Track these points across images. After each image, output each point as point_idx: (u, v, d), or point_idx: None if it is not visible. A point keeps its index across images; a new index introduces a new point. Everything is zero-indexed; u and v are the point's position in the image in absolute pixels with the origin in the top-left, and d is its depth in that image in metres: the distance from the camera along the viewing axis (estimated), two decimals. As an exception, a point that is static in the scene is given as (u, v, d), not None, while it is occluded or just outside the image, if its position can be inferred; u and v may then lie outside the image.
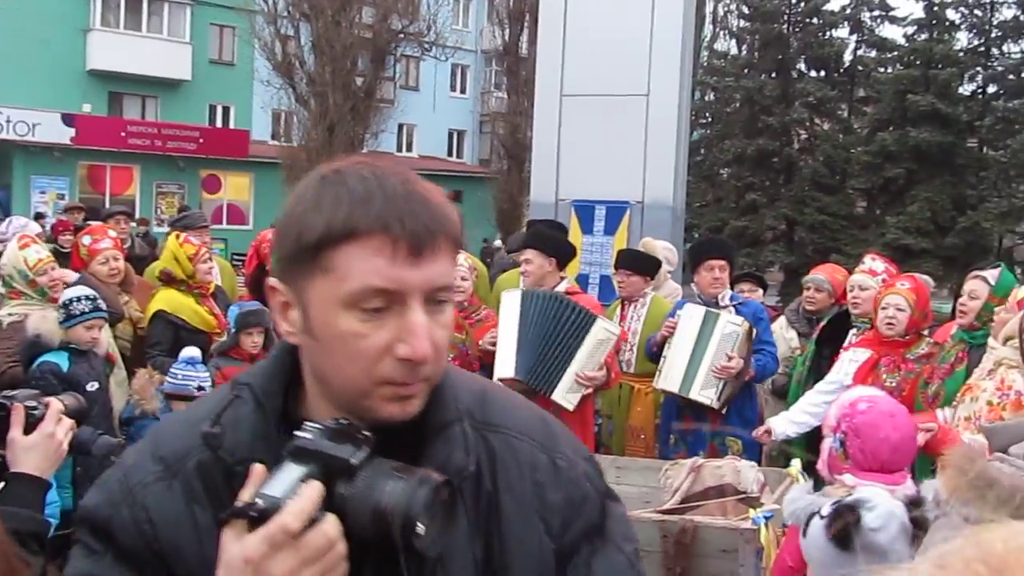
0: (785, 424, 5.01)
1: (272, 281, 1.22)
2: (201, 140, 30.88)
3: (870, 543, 2.50)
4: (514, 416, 1.35)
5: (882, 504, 2.55)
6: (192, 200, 30.74)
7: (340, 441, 1.12)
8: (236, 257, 18.26)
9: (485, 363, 5.80)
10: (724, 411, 5.57)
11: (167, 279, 5.74)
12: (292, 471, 1.10)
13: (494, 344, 5.44)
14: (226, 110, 33.30)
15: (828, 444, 2.97)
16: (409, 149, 37.58)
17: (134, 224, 12.95)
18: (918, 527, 2.52)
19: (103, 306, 4.76)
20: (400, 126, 34.28)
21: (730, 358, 5.43)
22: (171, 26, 31.35)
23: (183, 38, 31.56)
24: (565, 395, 5.18)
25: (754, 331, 5.58)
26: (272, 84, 26.15)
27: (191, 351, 4.95)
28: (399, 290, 1.14)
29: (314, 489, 1.08)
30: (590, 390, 5.37)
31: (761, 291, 7.19)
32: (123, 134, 29.51)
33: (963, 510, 1.42)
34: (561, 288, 5.59)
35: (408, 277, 1.13)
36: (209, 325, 5.68)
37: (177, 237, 6.04)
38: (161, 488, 1.23)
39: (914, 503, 2.57)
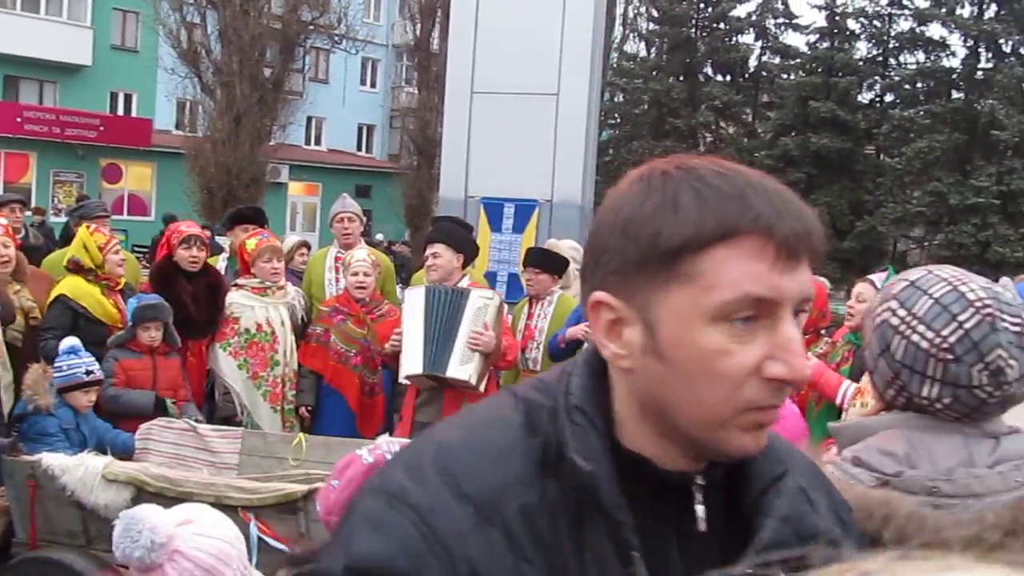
0: None
1: (600, 296, 1.04)
2: (102, 128, 30.04)
3: None
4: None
5: None
6: (92, 189, 29.86)
7: None
8: (137, 249, 17.81)
9: (387, 364, 5.77)
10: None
11: (75, 268, 5.57)
12: None
13: (395, 347, 5.37)
14: (128, 98, 32.44)
15: None
16: (318, 143, 37.15)
17: (29, 213, 12.51)
18: None
19: (97, 372, 4.70)
20: (309, 119, 33.85)
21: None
22: (71, 9, 30.39)
23: (84, 22, 30.62)
24: (459, 367, 5.12)
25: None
26: (177, 72, 25.54)
27: (69, 341, 4.87)
28: (776, 299, 0.98)
29: None
30: (479, 357, 5.17)
31: None
32: (19, 119, 28.55)
33: None
34: (463, 284, 5.57)
35: (785, 285, 0.98)
36: (111, 318, 5.53)
37: (88, 227, 5.87)
38: (482, 538, 0.98)
39: None
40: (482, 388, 5.25)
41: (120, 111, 32.19)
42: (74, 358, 4.76)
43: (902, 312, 1.52)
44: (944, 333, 1.48)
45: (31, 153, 29.52)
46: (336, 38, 28.18)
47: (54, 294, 5.46)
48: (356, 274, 5.98)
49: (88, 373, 4.76)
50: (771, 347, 0.98)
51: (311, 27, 26.60)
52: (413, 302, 5.36)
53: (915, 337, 1.50)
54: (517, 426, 1.06)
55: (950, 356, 1.48)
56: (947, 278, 1.53)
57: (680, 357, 0.99)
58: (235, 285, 6.07)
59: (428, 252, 5.58)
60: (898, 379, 1.53)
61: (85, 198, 16.73)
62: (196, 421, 5.23)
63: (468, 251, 5.77)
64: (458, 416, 1.16)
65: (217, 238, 9.36)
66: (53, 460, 4.18)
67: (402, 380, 5.35)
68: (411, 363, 5.21)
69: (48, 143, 29.28)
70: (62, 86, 30.84)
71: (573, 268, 6.86)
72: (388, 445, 2.04)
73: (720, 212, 0.98)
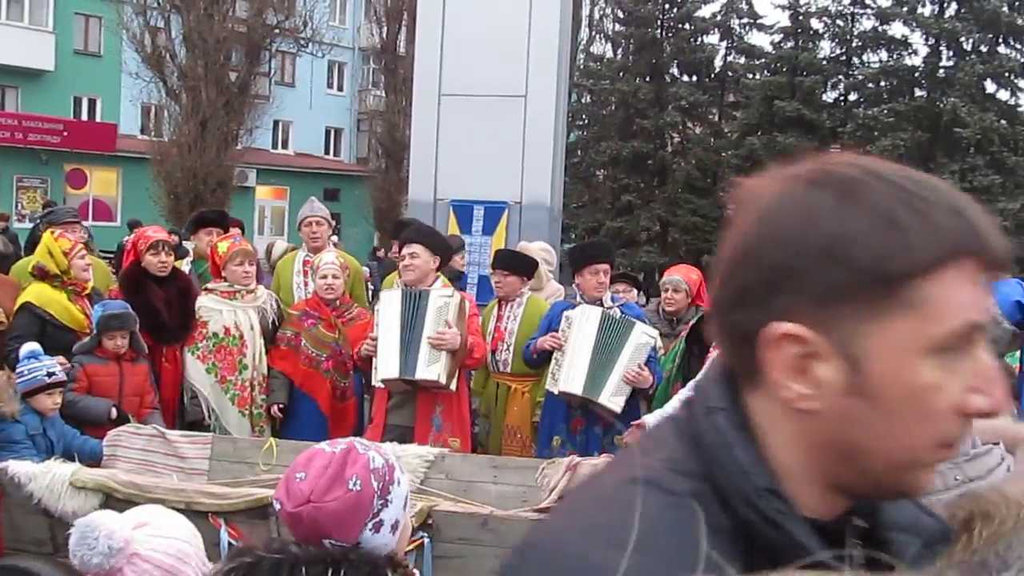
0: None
1: (789, 329, 0.88)
2: (65, 133, 29.72)
3: None
4: None
5: None
6: (56, 195, 29.53)
7: None
8: (103, 254, 17.63)
9: (359, 367, 5.77)
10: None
11: (41, 274, 5.54)
12: None
13: (370, 351, 5.38)
14: (92, 103, 32.11)
15: None
16: (285, 146, 36.96)
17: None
18: None
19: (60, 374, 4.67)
20: (276, 123, 33.68)
21: (642, 369, 5.49)
22: (32, 14, 30.07)
23: (45, 27, 30.30)
24: (427, 368, 5.18)
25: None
26: (141, 77, 25.31)
27: (29, 346, 4.87)
28: (985, 325, 0.89)
29: None
30: (446, 356, 5.27)
31: (635, 292, 7.31)
32: (-20, 125, 28.22)
33: None
34: (437, 286, 5.59)
35: (987, 308, 0.90)
36: (79, 324, 5.49)
37: (53, 232, 5.83)
38: None
39: None
40: (453, 387, 5.29)
41: (84, 116, 31.87)
42: (34, 362, 4.75)
43: None
44: None
45: (-7, 159, 29.21)
46: (302, 41, 28.04)
47: (20, 301, 5.43)
48: (325, 276, 5.99)
49: (50, 375, 4.73)
50: (972, 378, 0.88)
51: (276, 30, 26.46)
52: (387, 305, 5.36)
53: None
54: (671, 521, 0.87)
55: None
56: None
57: (890, 395, 0.88)
58: (205, 289, 6.06)
59: (405, 252, 5.58)
60: None
61: (51, 204, 16.56)
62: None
63: (445, 253, 5.80)
64: (580, 527, 0.91)
65: (184, 243, 9.31)
66: (19, 468, 4.14)
67: (376, 384, 5.36)
68: (387, 367, 5.23)
69: (10, 148, 28.93)
70: (24, 91, 30.48)
71: (544, 270, 6.89)
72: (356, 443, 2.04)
73: (947, 231, 0.87)
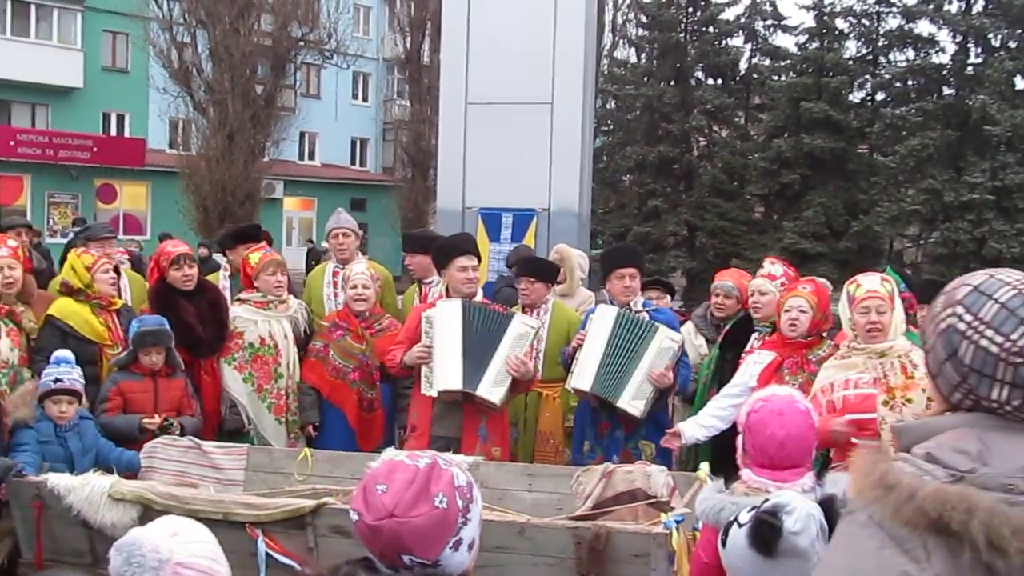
0: (694, 428, 5.08)
1: None
2: (95, 149, 30.06)
3: (792, 547, 2.54)
4: None
5: (800, 507, 2.59)
6: (87, 210, 29.85)
7: None
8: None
9: (393, 376, 5.74)
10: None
11: (67, 290, 5.61)
12: None
13: (423, 359, 5.30)
14: (120, 118, 32.46)
15: (739, 442, 3.08)
16: (311, 157, 37.18)
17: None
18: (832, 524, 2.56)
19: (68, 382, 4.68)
20: (302, 134, 33.90)
21: (664, 372, 5.43)
22: (61, 32, 30.46)
23: (74, 45, 30.69)
24: (491, 389, 5.16)
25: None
26: (169, 92, 25.59)
27: (61, 352, 4.86)
28: None
29: None
30: (510, 381, 5.25)
31: (669, 297, 7.27)
32: (12, 143, 28.60)
33: (867, 510, 1.46)
34: (478, 299, 5.61)
35: None
36: (99, 336, 5.53)
37: (76, 249, 5.90)
38: None
39: (828, 502, 2.62)
40: (500, 407, 5.28)
41: (113, 132, 32.22)
42: (52, 367, 4.75)
43: (968, 317, 1.54)
44: (1013, 337, 1.50)
45: (25, 176, 29.56)
46: (327, 53, 28.23)
47: (44, 315, 5.49)
48: (355, 287, 5.99)
49: (56, 381, 4.70)
50: None
51: (301, 43, 26.66)
52: (447, 316, 5.31)
53: (984, 342, 1.52)
54: None
55: (1020, 359, 1.50)
56: (1011, 282, 1.56)
57: None
58: (238, 300, 6.09)
59: (467, 264, 5.54)
60: (965, 383, 1.55)
61: (81, 220, 16.67)
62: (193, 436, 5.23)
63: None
64: None
65: (215, 255, 9.36)
66: (59, 480, 4.18)
67: (430, 393, 5.29)
68: (448, 378, 5.17)
69: (42, 165, 29.31)
70: (54, 108, 30.87)
71: (579, 276, 6.87)
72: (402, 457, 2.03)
73: None
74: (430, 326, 5.29)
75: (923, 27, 27.72)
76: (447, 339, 5.21)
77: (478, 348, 5.20)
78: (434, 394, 5.24)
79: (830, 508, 2.59)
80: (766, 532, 2.55)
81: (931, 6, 26.80)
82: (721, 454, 5.11)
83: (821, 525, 2.58)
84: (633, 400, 5.41)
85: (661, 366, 5.41)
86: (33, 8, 29.85)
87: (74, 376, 4.78)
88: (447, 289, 5.70)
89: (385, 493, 1.77)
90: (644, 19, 31.58)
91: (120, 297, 6.03)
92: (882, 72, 28.43)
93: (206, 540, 2.18)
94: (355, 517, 1.81)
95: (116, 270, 6.03)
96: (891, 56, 28.74)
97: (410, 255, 6.98)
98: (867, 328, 4.37)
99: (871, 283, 4.50)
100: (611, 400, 5.46)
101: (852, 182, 27.16)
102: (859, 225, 26.00)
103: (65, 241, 9.06)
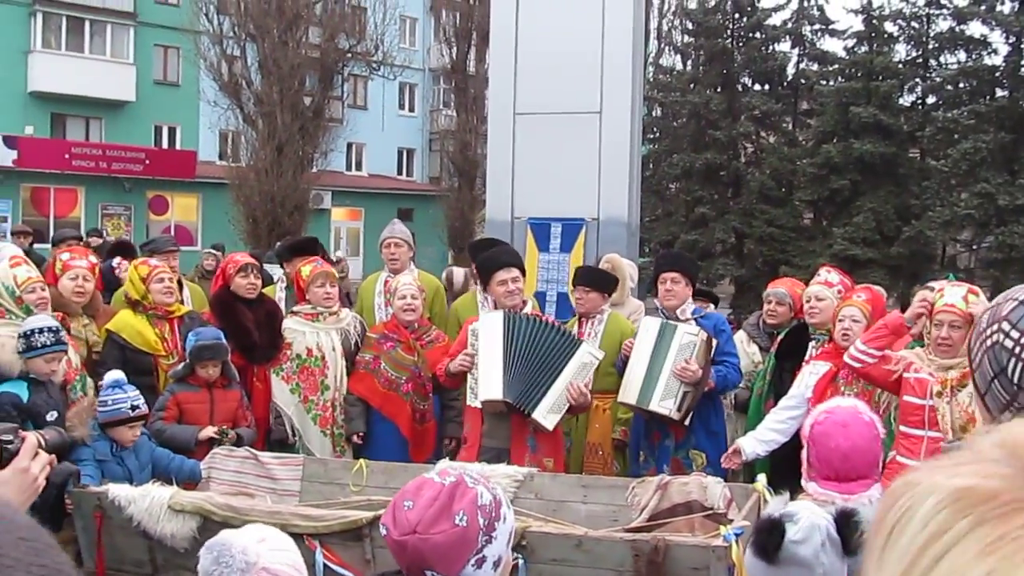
0: (753, 444, 5.04)
1: None
2: (147, 161, 30.52)
3: (792, 555, 2.53)
4: None
5: (805, 517, 2.58)
6: (139, 221, 30.37)
7: None
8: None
9: (443, 385, 5.76)
10: (688, 424, 5.56)
11: (129, 302, 5.76)
12: None
13: (465, 367, 5.34)
14: (172, 131, 32.95)
15: (803, 455, 3.05)
16: (358, 168, 37.45)
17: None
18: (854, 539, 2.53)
19: (65, 338, 4.71)
20: (349, 145, 34.13)
21: (687, 363, 5.40)
22: (114, 47, 30.99)
23: (126, 59, 31.20)
24: (546, 415, 5.16)
25: (714, 342, 5.58)
26: (219, 104, 25.92)
27: (112, 375, 4.87)
28: None
29: None
30: (567, 409, 5.27)
31: (712, 306, 7.21)
32: (67, 156, 29.12)
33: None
34: (527, 310, 5.60)
35: None
36: (152, 346, 5.63)
37: (135, 261, 6.08)
38: None
39: (845, 516, 2.59)
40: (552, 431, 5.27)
41: (164, 144, 32.70)
42: (118, 392, 4.75)
43: (1015, 334, 1.49)
44: None
45: (79, 188, 30.09)
46: (374, 64, 28.42)
47: (104, 329, 5.62)
48: (403, 297, 6.02)
49: (133, 408, 4.73)
50: None
51: (349, 55, 26.87)
52: (490, 328, 5.29)
53: None
54: None
55: None
56: None
57: None
58: (291, 312, 6.18)
59: (506, 278, 5.53)
60: (1016, 401, 1.51)
61: (123, 242, 16.77)
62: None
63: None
64: None
65: (267, 266, 9.47)
66: (120, 491, 4.24)
67: (474, 404, 5.31)
68: (489, 388, 5.16)
69: (95, 178, 29.80)
70: (107, 122, 31.40)
71: (629, 286, 6.85)
72: (457, 469, 2.05)
73: None
74: (475, 338, 5.32)
75: (975, 28, 27.31)
76: (489, 350, 5.22)
77: (526, 362, 5.18)
78: (478, 405, 5.26)
79: (846, 522, 2.57)
80: (765, 539, 2.55)
81: (983, 7, 26.38)
82: (777, 465, 5.08)
83: (830, 536, 2.55)
84: (662, 401, 5.37)
85: (682, 360, 5.36)
86: (87, 23, 30.40)
87: (143, 400, 4.83)
88: (495, 303, 5.71)
89: (411, 509, 1.84)
90: (690, 26, 31.46)
91: (182, 304, 6.14)
92: (933, 75, 28.02)
93: (290, 549, 2.24)
94: (384, 531, 1.88)
95: (179, 283, 6.18)
96: (942, 59, 28.34)
97: (583, 290, 6.37)
98: (937, 342, 4.34)
99: (953, 296, 4.47)
100: (644, 407, 5.44)
101: (903, 187, 26.79)
102: (911, 230, 25.63)
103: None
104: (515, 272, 5.57)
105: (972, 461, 0.66)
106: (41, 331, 4.55)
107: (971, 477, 0.64)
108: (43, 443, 2.22)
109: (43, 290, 5.13)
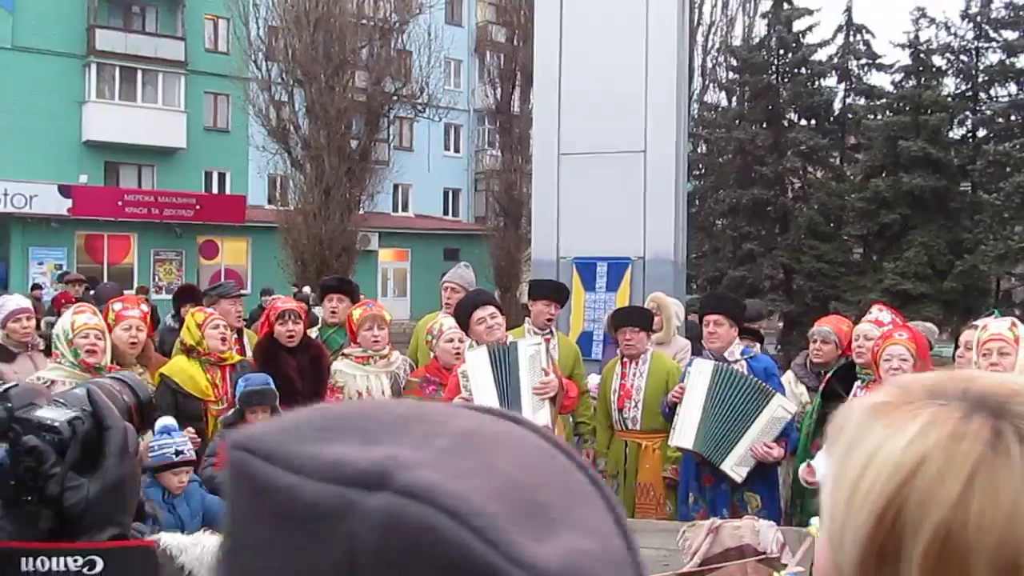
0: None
1: None
2: (198, 207, 31.00)
3: None
4: None
5: None
6: (190, 267, 30.79)
7: None
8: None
9: None
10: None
11: (184, 348, 5.83)
12: None
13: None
14: (222, 176, 33.49)
15: None
16: (405, 209, 37.74)
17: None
18: None
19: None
20: (395, 186, 34.44)
21: (773, 446, 5.39)
22: (165, 95, 31.64)
23: (178, 107, 31.83)
24: (734, 467, 5.19)
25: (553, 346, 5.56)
26: (267, 149, 26.33)
27: (163, 421, 4.88)
28: None
29: None
30: (548, 403, 5.21)
31: (758, 345, 7.11)
32: (120, 203, 29.63)
33: None
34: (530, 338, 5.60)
35: None
36: (203, 392, 5.65)
37: (192, 307, 6.15)
38: None
39: None
40: (552, 427, 5.22)
41: (215, 189, 33.24)
42: (165, 438, 4.76)
43: None
44: None
45: (132, 234, 30.58)
46: (419, 107, 28.72)
47: (158, 373, 5.67)
48: (451, 340, 5.96)
49: (178, 454, 4.74)
50: None
51: (395, 97, 27.19)
52: (476, 365, 5.28)
53: None
54: None
55: None
56: None
57: None
58: (341, 354, 6.18)
59: (483, 315, 5.52)
60: None
61: (144, 289, 16.91)
62: None
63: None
64: None
65: (316, 309, 9.55)
66: (171, 540, 4.22)
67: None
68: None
69: (148, 224, 30.30)
70: (159, 168, 32.01)
71: (675, 324, 6.79)
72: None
73: None
74: (466, 380, 5.28)
75: (1025, 61, 27.02)
76: (481, 388, 5.19)
77: (506, 388, 5.18)
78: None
79: None
80: None
81: (1033, 39, 26.12)
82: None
83: None
84: (736, 467, 5.38)
85: (771, 436, 5.35)
86: (139, 73, 31.07)
87: (190, 444, 4.85)
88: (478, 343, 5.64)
89: None
90: (735, 62, 31.44)
91: (233, 353, 6.16)
92: (983, 108, 27.71)
93: None
94: None
95: (240, 331, 6.21)
96: (992, 91, 28.02)
97: (632, 331, 6.20)
98: (988, 369, 4.24)
99: (998, 327, 4.44)
100: (714, 462, 5.42)
101: (955, 220, 26.42)
102: (964, 264, 25.23)
103: (170, 297, 9.28)
104: (491, 309, 5.52)
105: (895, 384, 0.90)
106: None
107: (884, 393, 0.88)
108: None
109: (98, 339, 5.14)
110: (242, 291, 8.01)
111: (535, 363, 5.21)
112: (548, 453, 0.60)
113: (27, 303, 6.40)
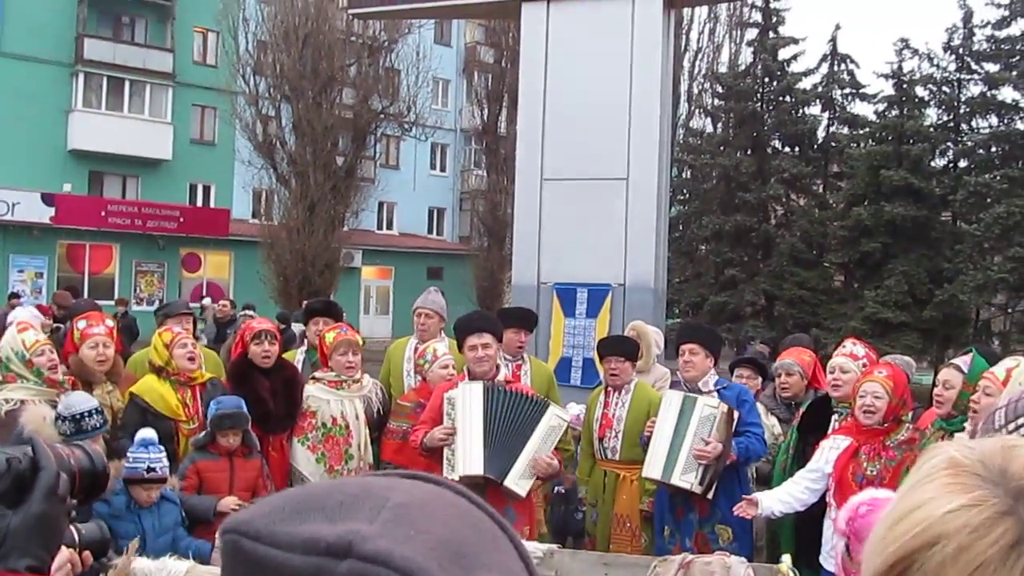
0: (772, 501, 4.97)
1: None
2: (181, 219, 30.92)
3: None
4: None
5: None
6: (172, 279, 30.67)
7: None
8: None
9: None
10: (712, 498, 5.49)
11: (152, 367, 5.74)
12: None
13: (444, 440, 5.21)
14: (207, 189, 33.43)
15: (839, 547, 2.99)
16: (389, 227, 37.73)
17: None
18: None
19: (107, 416, 4.74)
20: (380, 204, 34.46)
21: (707, 442, 5.36)
22: (152, 107, 31.59)
23: (164, 118, 31.78)
24: (518, 481, 5.08)
25: (736, 414, 5.52)
26: (253, 164, 26.32)
27: (144, 433, 4.84)
28: None
29: None
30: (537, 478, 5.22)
31: (760, 379, 7.04)
32: (103, 213, 29.54)
33: None
34: (500, 377, 5.52)
35: None
36: (173, 411, 5.60)
37: (160, 328, 6.06)
38: None
39: None
40: (526, 498, 5.21)
41: (199, 202, 33.16)
42: (141, 451, 4.72)
43: None
44: None
45: (114, 245, 30.48)
46: (406, 125, 28.78)
47: (128, 392, 5.63)
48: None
49: (149, 470, 4.69)
50: None
51: (382, 116, 27.24)
52: (470, 400, 5.22)
53: None
54: None
55: None
56: None
57: None
58: (312, 378, 6.13)
59: (476, 343, 5.45)
60: None
61: (124, 301, 16.73)
62: None
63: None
64: None
65: (295, 326, 9.48)
66: (139, 564, 4.22)
67: (451, 476, 5.20)
68: (471, 463, 5.09)
69: (130, 235, 30.20)
70: (144, 180, 31.92)
71: (655, 352, 6.80)
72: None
73: None
74: (452, 408, 5.22)
75: (1006, 93, 27.27)
76: (470, 423, 5.12)
77: (503, 435, 5.10)
78: (456, 478, 5.09)
79: None
80: None
81: (1014, 72, 26.38)
82: (801, 544, 4.99)
83: None
84: (684, 475, 5.36)
85: (704, 434, 5.32)
86: (127, 83, 31.03)
87: (164, 463, 4.79)
88: (468, 369, 5.58)
89: None
90: (720, 89, 31.62)
91: (203, 372, 6.11)
92: (965, 139, 27.92)
93: None
94: None
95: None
96: (974, 123, 28.26)
97: (617, 361, 6.21)
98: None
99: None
100: (667, 481, 5.40)
101: (936, 250, 26.57)
102: (943, 294, 25.36)
103: (152, 309, 9.23)
104: (487, 338, 5.41)
105: (973, 446, 0.96)
106: (91, 414, 4.57)
107: (961, 452, 0.94)
108: (78, 539, 2.12)
109: (51, 352, 5.14)
110: (192, 305, 7.89)
111: (552, 435, 5.17)
112: (466, 509, 0.78)
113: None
